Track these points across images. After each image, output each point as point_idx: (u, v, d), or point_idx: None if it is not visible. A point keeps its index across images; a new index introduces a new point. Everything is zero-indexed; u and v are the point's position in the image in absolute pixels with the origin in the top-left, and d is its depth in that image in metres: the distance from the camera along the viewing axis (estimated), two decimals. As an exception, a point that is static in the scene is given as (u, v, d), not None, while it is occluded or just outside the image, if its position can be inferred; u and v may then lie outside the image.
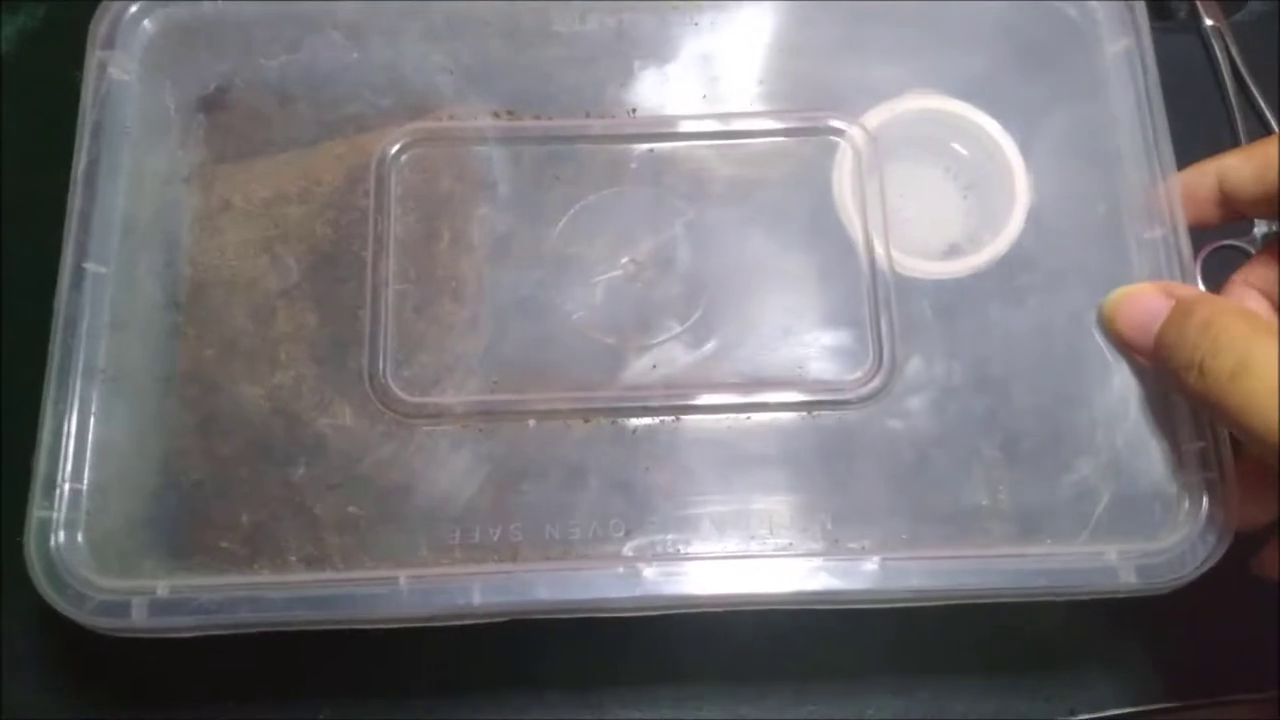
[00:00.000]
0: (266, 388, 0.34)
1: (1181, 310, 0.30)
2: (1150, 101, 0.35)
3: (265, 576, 0.32)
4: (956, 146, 0.37)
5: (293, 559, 0.32)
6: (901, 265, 0.35)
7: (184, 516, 0.33)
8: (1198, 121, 0.35)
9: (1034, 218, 0.35)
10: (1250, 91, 0.45)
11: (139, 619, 0.31)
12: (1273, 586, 0.33)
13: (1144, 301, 0.32)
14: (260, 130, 0.36)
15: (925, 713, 0.37)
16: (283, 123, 0.36)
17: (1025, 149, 0.36)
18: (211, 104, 0.36)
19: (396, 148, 0.35)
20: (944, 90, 0.36)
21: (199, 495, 0.33)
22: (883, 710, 0.37)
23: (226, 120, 0.36)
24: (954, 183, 0.37)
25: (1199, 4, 0.46)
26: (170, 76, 0.36)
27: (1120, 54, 0.36)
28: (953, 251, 0.36)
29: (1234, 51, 0.46)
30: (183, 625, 0.31)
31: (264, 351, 0.34)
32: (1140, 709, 0.37)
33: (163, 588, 0.31)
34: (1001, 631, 0.37)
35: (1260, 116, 0.45)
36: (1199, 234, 0.35)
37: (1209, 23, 0.46)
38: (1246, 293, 0.34)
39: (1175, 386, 0.31)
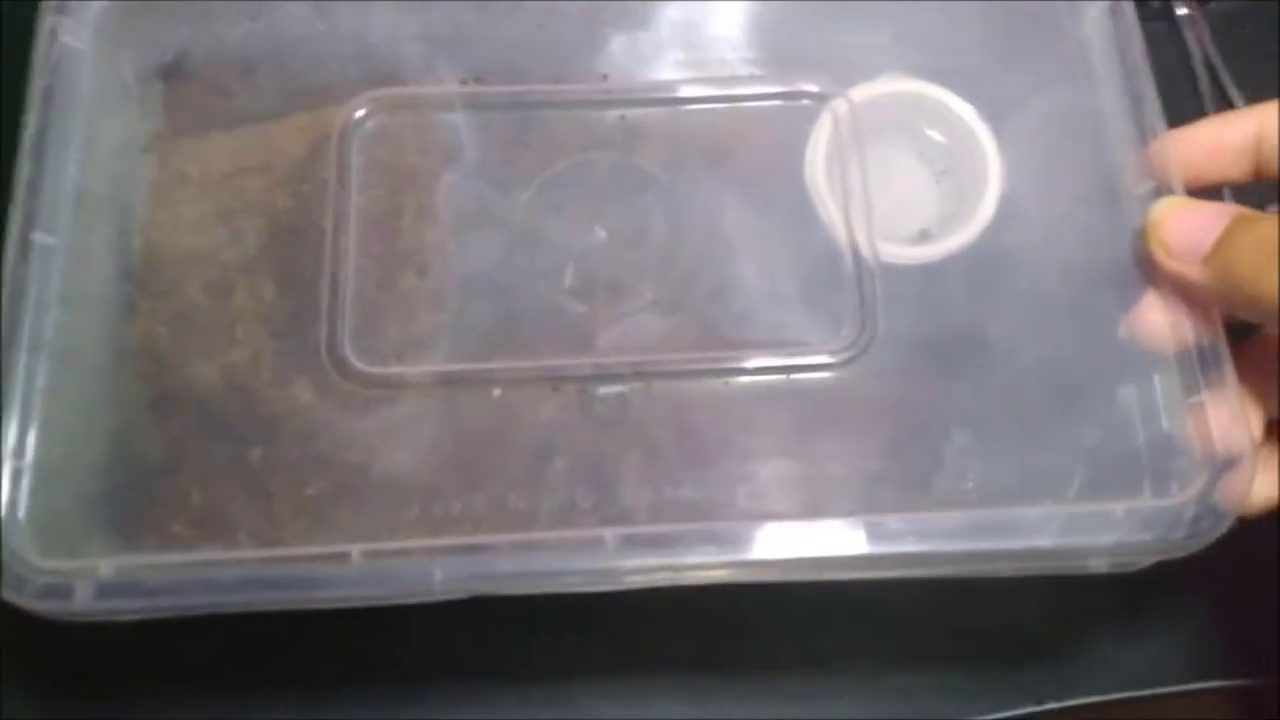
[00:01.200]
0: (222, 365, 0.32)
1: (1251, 215, 0.28)
2: (1134, 58, 0.34)
3: (214, 555, 0.30)
4: (931, 131, 0.36)
5: (243, 536, 0.30)
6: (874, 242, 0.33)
7: (133, 496, 0.31)
8: (1168, 111, 0.33)
9: (1011, 197, 0.34)
10: (1222, 82, 0.44)
11: (82, 602, 0.29)
12: (1236, 571, 0.32)
13: (1200, 209, 0.30)
14: (220, 101, 0.35)
15: (892, 703, 0.36)
16: (244, 93, 0.35)
17: (1001, 131, 0.34)
18: (170, 73, 0.35)
19: (359, 115, 0.34)
20: (918, 71, 0.35)
21: (149, 474, 0.31)
22: (852, 702, 0.36)
23: (185, 90, 0.35)
24: (927, 168, 0.36)
25: None
26: (127, 44, 0.35)
27: (1101, 16, 0.35)
28: (924, 237, 0.34)
29: (1207, 41, 0.45)
30: (128, 609, 0.29)
31: (220, 327, 0.33)
32: (1107, 697, 0.36)
33: (108, 569, 0.29)
34: (967, 621, 0.36)
35: (1232, 107, 0.43)
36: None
37: (1182, 11, 0.45)
38: None
39: (1238, 294, 0.28)
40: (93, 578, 0.29)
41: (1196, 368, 0.30)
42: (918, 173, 0.36)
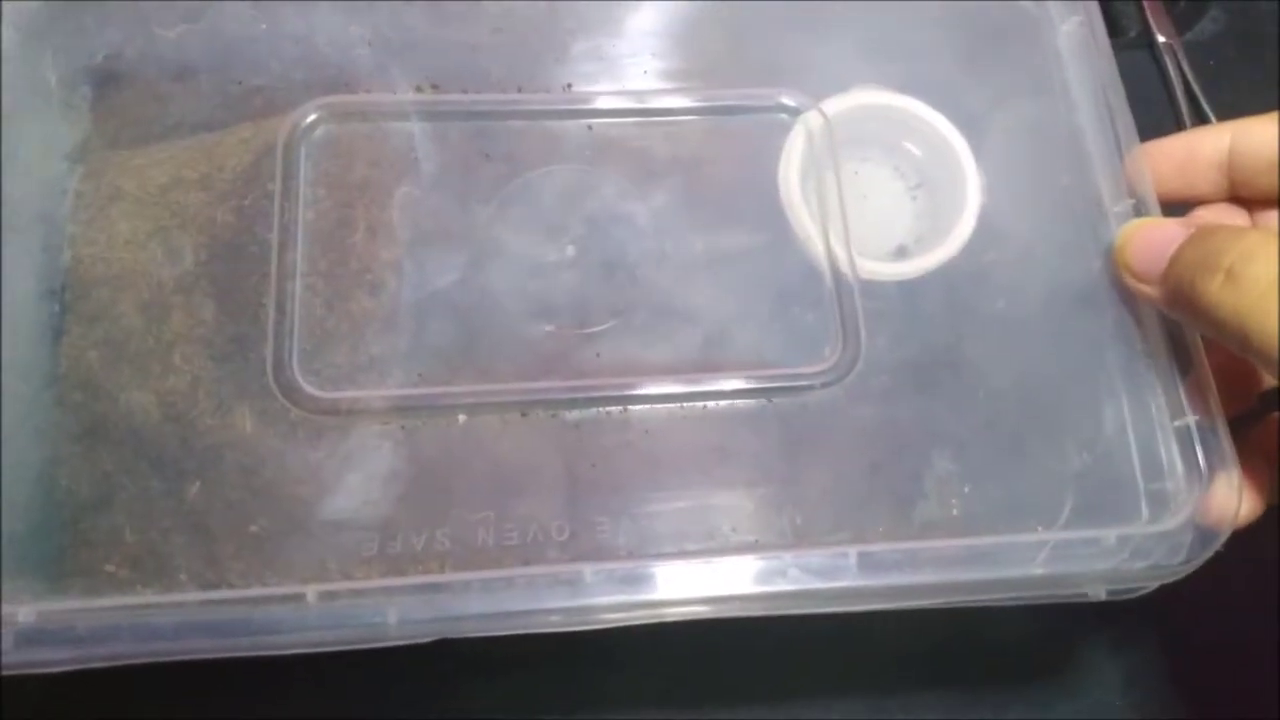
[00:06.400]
0: (159, 392, 0.30)
1: (1203, 230, 0.28)
2: (1105, 75, 0.33)
3: (151, 598, 0.27)
4: (906, 144, 0.35)
5: (183, 578, 0.28)
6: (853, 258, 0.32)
7: (60, 535, 0.28)
8: (1151, 137, 0.33)
9: (990, 213, 0.33)
10: (1203, 109, 0.45)
11: (3, 653, 0.26)
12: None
13: (1162, 228, 0.29)
14: (155, 107, 0.32)
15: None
16: (181, 100, 0.32)
17: (978, 145, 0.34)
18: (99, 77, 0.32)
19: (308, 122, 0.32)
20: (892, 84, 0.34)
21: (78, 511, 0.29)
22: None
23: (118, 96, 0.32)
24: (903, 182, 0.35)
25: (1151, 21, 0.46)
26: (52, 45, 0.32)
27: (1073, 32, 0.34)
28: (901, 253, 0.33)
29: (1186, 69, 0.45)
30: (54, 659, 0.26)
31: (156, 352, 0.30)
32: None
33: (29, 615, 0.27)
34: (936, 649, 0.36)
35: None
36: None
37: (1161, 40, 0.46)
38: None
39: (1186, 307, 0.28)
40: (13, 625, 0.26)
41: (1180, 390, 0.30)
42: (893, 187, 0.35)
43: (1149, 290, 0.29)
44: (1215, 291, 0.26)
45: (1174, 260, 0.28)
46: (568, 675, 0.36)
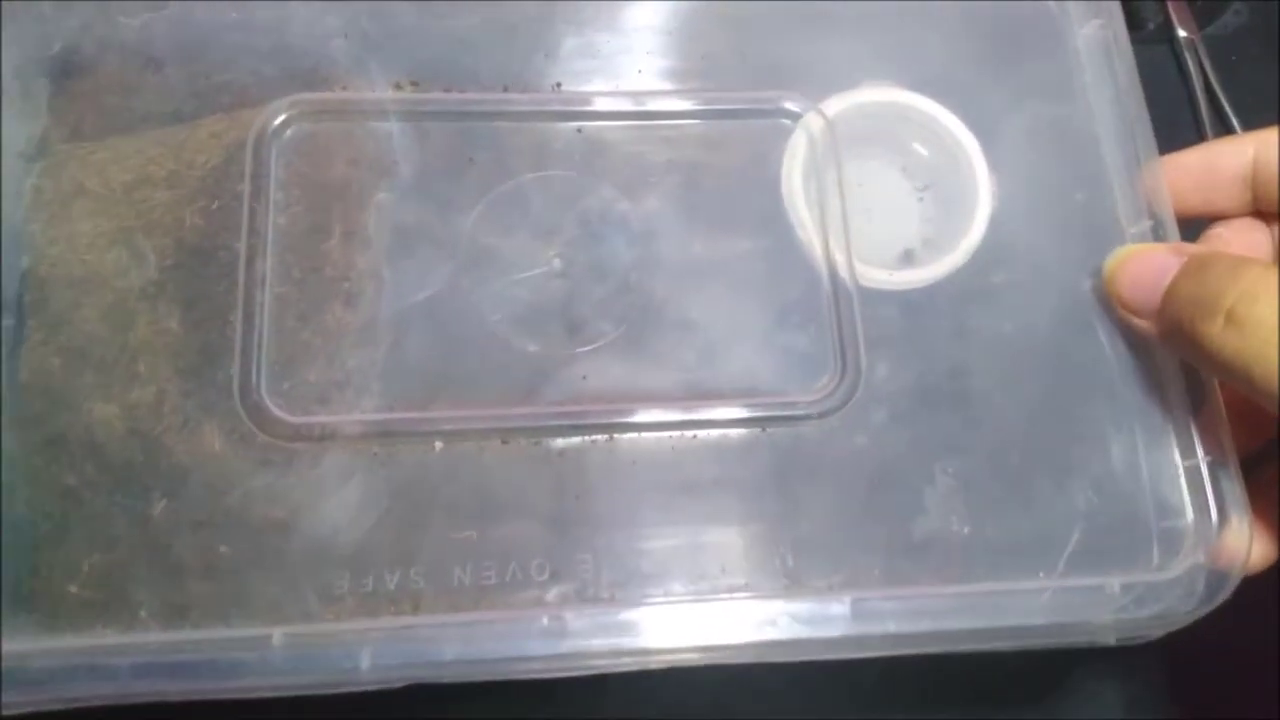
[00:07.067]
0: (122, 405, 0.28)
1: (1198, 263, 0.26)
2: (1124, 82, 0.32)
3: (111, 638, 0.26)
4: (913, 144, 0.33)
5: (144, 614, 0.26)
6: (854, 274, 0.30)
7: (16, 561, 0.27)
8: (1168, 134, 0.32)
9: (1001, 221, 0.31)
10: (1221, 105, 0.43)
11: (-48, 695, 0.25)
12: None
13: (1152, 258, 0.28)
14: (117, 100, 0.30)
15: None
16: (144, 93, 0.30)
17: (989, 148, 0.32)
18: (58, 68, 0.30)
19: (279, 121, 0.30)
20: (902, 83, 0.32)
21: (36, 534, 0.27)
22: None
23: (76, 88, 0.30)
24: (910, 183, 0.33)
25: (1172, 15, 0.45)
26: (7, 34, 0.30)
27: (1092, 35, 0.33)
28: (907, 259, 0.32)
29: (1206, 64, 0.44)
30: (8, 702, 0.25)
31: (120, 362, 0.29)
32: None
33: (-19, 654, 0.25)
34: (932, 670, 0.34)
35: (1231, 130, 0.43)
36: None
37: (1182, 34, 0.44)
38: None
39: (1185, 347, 0.27)
40: (-36, 667, 0.25)
41: (1193, 427, 0.28)
42: (901, 189, 0.33)
43: (1144, 324, 0.28)
44: (1217, 335, 0.25)
45: (1169, 296, 0.27)
46: (556, 694, 0.34)
